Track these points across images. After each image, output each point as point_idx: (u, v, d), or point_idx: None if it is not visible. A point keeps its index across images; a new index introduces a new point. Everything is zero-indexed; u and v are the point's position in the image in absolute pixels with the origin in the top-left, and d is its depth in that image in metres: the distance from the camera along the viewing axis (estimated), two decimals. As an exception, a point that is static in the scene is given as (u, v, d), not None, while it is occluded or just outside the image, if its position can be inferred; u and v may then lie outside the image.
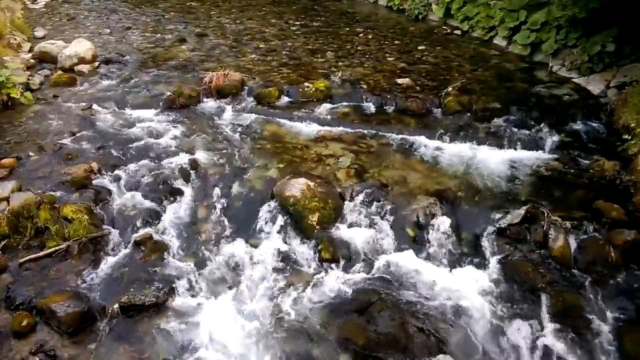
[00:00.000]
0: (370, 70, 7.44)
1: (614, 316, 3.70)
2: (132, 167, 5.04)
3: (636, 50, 6.45)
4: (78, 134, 5.61)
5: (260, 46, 8.73)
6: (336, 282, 4.00)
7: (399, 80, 6.95)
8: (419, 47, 8.55)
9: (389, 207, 4.58)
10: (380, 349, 3.48)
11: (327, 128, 5.96)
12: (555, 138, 5.57)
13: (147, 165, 5.07)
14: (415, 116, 6.14)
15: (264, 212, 4.58)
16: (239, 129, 5.97)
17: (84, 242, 4.10)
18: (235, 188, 4.88)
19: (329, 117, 6.19)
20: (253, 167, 5.16)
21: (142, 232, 4.33)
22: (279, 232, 4.44)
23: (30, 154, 5.17)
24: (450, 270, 4.12)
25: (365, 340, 3.53)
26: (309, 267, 4.18)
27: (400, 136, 5.75)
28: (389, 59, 8.01)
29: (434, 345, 3.52)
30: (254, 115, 6.27)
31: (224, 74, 6.82)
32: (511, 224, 4.30)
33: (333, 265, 4.15)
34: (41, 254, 4.00)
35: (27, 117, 5.98)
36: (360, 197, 4.68)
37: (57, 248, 4.04)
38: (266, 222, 4.51)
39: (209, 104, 6.54)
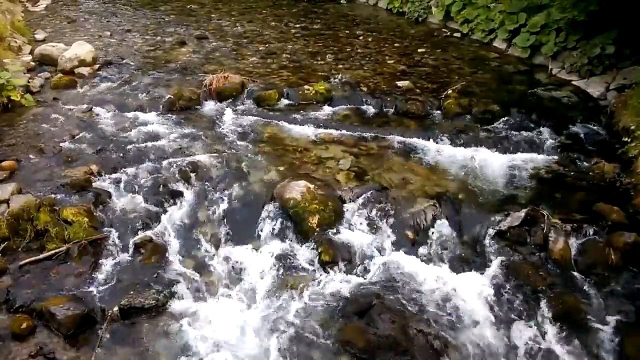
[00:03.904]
0: (370, 73, 7.44)
1: (615, 319, 3.69)
2: (132, 169, 5.04)
3: (636, 52, 6.46)
4: (78, 137, 5.62)
5: (260, 49, 8.74)
6: (336, 284, 4.00)
7: (399, 83, 6.96)
8: (419, 50, 8.56)
9: (389, 209, 4.58)
10: (380, 351, 3.48)
11: (327, 130, 5.96)
12: (555, 140, 5.58)
13: (147, 168, 5.07)
14: (415, 118, 6.14)
15: (264, 214, 4.58)
16: (239, 132, 5.96)
17: (83, 245, 4.10)
18: (236, 190, 4.88)
19: (329, 119, 6.19)
20: (253, 170, 5.15)
21: (142, 234, 4.31)
22: (279, 234, 4.44)
23: (30, 156, 5.17)
24: (451, 273, 4.11)
25: (365, 343, 3.52)
26: (309, 269, 4.17)
27: (400, 138, 5.75)
28: (389, 61, 8.02)
29: (434, 348, 3.51)
30: (254, 118, 6.27)
31: (224, 76, 6.83)
32: (511, 226, 4.30)
33: (333, 267, 4.14)
34: (41, 256, 4.00)
35: (27, 119, 5.98)
36: (360, 199, 4.68)
37: (57, 250, 4.03)
38: (266, 225, 4.51)
39: (209, 107, 6.54)
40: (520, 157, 5.36)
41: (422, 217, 4.48)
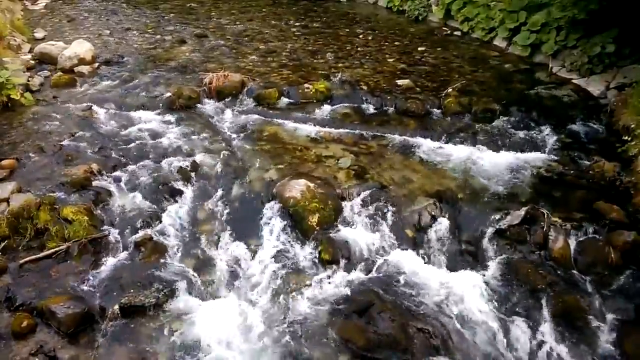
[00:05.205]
0: (370, 72, 7.44)
1: (614, 317, 3.70)
2: (132, 168, 5.05)
3: (636, 51, 6.46)
4: (78, 135, 5.61)
5: (260, 47, 8.74)
6: (336, 283, 4.01)
7: (399, 82, 6.96)
8: (419, 48, 8.56)
9: (388, 208, 4.58)
10: (380, 349, 3.48)
11: (327, 129, 5.96)
12: (555, 139, 5.58)
13: (147, 167, 5.07)
14: (415, 117, 6.14)
15: (264, 213, 4.58)
16: (239, 130, 5.97)
17: (84, 243, 4.10)
18: (236, 189, 4.88)
19: (328, 118, 6.19)
20: (253, 169, 5.16)
21: (142, 233, 4.32)
22: (279, 233, 4.44)
23: (30, 155, 5.16)
24: (450, 271, 4.12)
25: (365, 341, 3.52)
26: (309, 268, 4.17)
27: (400, 137, 5.75)
28: (389, 60, 8.01)
29: (434, 346, 3.52)
30: (254, 116, 6.27)
31: (224, 75, 6.82)
32: (511, 225, 4.30)
33: (333, 266, 4.14)
34: (41, 255, 4.00)
35: (27, 118, 5.98)
36: (360, 198, 4.69)
37: (57, 249, 4.04)
38: (266, 223, 4.51)
39: (209, 105, 6.54)
40: (520, 156, 5.36)
41: (422, 216, 4.48)
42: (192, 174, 5.04)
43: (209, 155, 5.37)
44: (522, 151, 5.44)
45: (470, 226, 4.44)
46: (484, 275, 4.05)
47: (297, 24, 10.45)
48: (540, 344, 3.57)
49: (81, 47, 7.62)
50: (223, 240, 4.44)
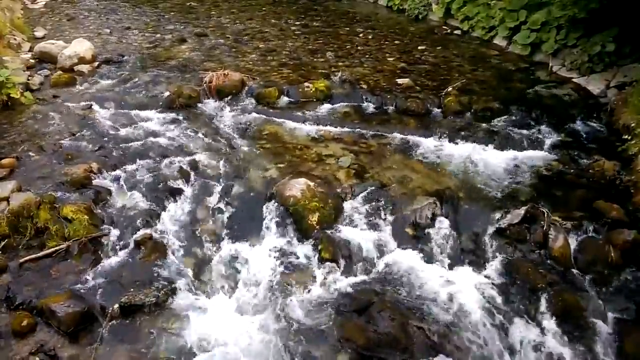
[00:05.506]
0: (370, 70, 7.44)
1: (614, 316, 3.70)
2: (132, 167, 5.04)
3: (636, 50, 6.46)
4: (78, 134, 5.61)
5: (260, 46, 8.74)
6: (336, 282, 4.00)
7: (399, 80, 6.96)
8: (419, 47, 8.56)
9: (389, 207, 4.58)
10: (381, 349, 3.48)
11: (327, 128, 5.96)
12: (555, 138, 5.59)
13: (147, 166, 5.07)
14: (415, 116, 6.14)
15: (264, 212, 4.58)
16: (239, 129, 5.97)
17: (84, 242, 4.10)
18: (235, 188, 4.88)
19: (329, 117, 6.19)
20: (253, 168, 5.16)
21: (142, 232, 4.31)
22: (278, 232, 4.44)
23: (30, 154, 5.16)
24: (450, 270, 4.12)
25: (365, 340, 3.52)
26: (309, 267, 4.17)
27: (400, 136, 5.75)
28: (389, 59, 8.01)
29: (434, 345, 3.52)
30: (254, 115, 6.27)
31: (224, 74, 6.82)
32: (511, 224, 4.30)
33: (333, 265, 4.14)
34: (41, 254, 4.00)
35: (27, 117, 5.97)
36: (360, 197, 4.69)
37: (57, 248, 4.03)
38: (266, 222, 4.51)
39: (209, 104, 6.54)
40: (520, 155, 5.36)
41: (422, 215, 4.48)
42: (192, 173, 5.04)
43: (209, 154, 5.37)
44: (522, 150, 5.44)
45: (470, 225, 4.44)
46: (484, 274, 4.05)
47: (297, 22, 10.45)
48: (540, 343, 3.57)
49: (81, 46, 7.61)
50: (223, 239, 4.45)
